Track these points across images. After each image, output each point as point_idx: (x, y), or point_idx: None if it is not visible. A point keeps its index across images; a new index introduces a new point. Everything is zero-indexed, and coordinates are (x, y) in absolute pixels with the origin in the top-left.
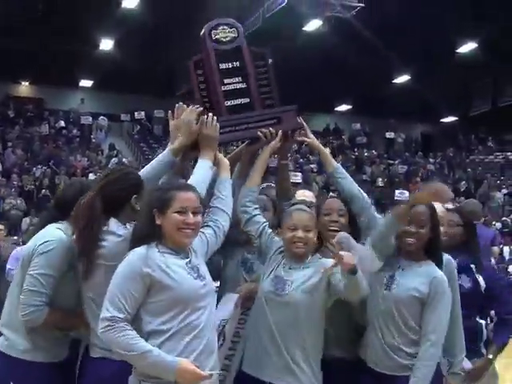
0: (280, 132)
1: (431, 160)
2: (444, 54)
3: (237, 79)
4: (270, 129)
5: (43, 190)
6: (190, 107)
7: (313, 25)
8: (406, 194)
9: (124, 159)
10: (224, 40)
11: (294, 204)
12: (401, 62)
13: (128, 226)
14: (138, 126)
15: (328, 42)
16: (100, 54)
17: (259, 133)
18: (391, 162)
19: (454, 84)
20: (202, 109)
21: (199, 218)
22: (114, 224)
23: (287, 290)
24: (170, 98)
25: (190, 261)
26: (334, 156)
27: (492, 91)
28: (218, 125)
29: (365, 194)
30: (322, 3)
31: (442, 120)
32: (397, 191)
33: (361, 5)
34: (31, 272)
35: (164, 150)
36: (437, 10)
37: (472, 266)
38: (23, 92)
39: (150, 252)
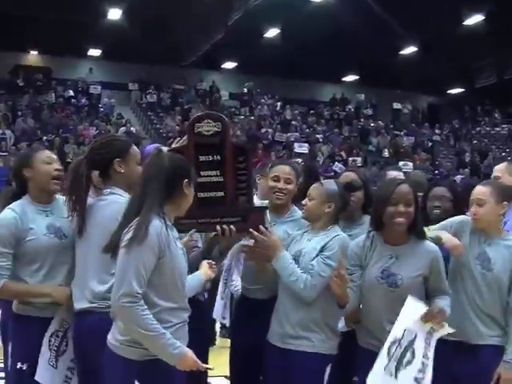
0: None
1: (437, 131)
2: (451, 26)
3: (214, 172)
4: (231, 227)
5: None
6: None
7: None
8: (410, 165)
9: (132, 128)
10: (206, 134)
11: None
12: (408, 33)
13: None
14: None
15: (336, 11)
16: (108, 23)
17: (218, 228)
18: (397, 132)
19: (461, 56)
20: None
21: None
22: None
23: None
24: (179, 67)
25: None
26: (341, 126)
27: (499, 63)
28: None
29: None
30: None
31: (449, 91)
32: (401, 163)
33: None
34: None
35: (171, 119)
36: None
37: None
38: (32, 61)
39: (164, 226)
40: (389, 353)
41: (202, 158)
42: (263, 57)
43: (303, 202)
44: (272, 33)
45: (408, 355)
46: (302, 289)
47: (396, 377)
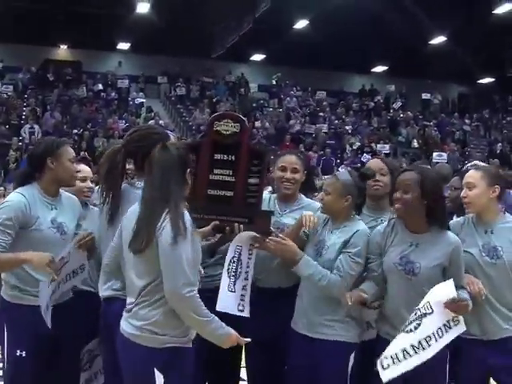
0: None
1: (467, 121)
2: (481, 15)
3: (227, 172)
4: (241, 226)
5: (82, 153)
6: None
7: None
8: (444, 155)
9: (161, 121)
10: (224, 133)
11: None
12: (437, 23)
13: None
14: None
15: (365, 2)
16: (137, 16)
17: (227, 227)
18: (427, 123)
19: (491, 45)
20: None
21: None
22: None
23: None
24: (207, 59)
25: None
26: (370, 117)
27: None
28: None
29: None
30: None
31: (479, 81)
32: (434, 154)
33: None
34: None
35: (200, 112)
36: None
37: None
38: (61, 56)
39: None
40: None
41: (216, 156)
42: (292, 48)
43: (319, 197)
44: (300, 24)
45: (413, 325)
46: (334, 291)
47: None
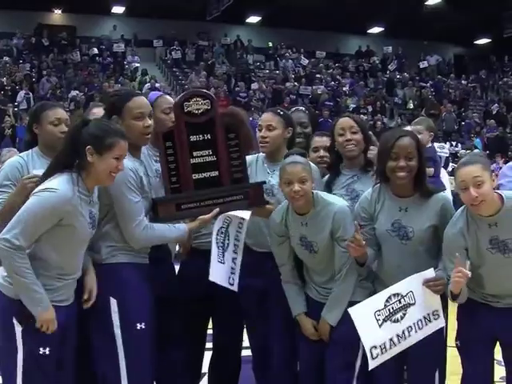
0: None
1: (463, 82)
2: None
3: (206, 152)
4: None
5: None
6: None
7: None
8: (446, 148)
9: (157, 84)
10: (196, 112)
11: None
12: None
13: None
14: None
15: None
16: None
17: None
18: (423, 84)
19: (488, 5)
20: None
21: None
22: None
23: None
24: (202, 22)
25: (92, 207)
26: (366, 78)
27: None
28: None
29: None
30: None
31: (476, 41)
32: (436, 145)
33: None
34: None
35: (196, 75)
36: None
37: None
38: (56, 20)
39: (73, 193)
40: (387, 300)
41: (192, 138)
42: (287, 10)
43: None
44: None
45: (399, 315)
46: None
47: (380, 326)
